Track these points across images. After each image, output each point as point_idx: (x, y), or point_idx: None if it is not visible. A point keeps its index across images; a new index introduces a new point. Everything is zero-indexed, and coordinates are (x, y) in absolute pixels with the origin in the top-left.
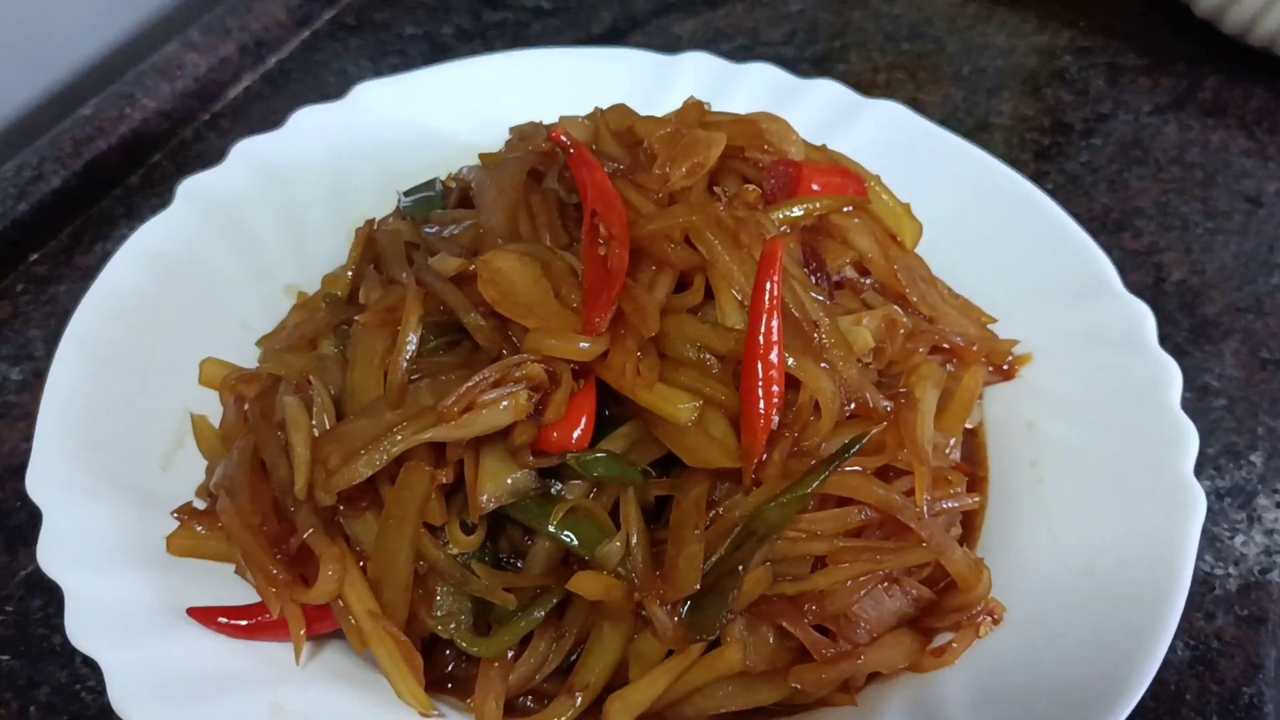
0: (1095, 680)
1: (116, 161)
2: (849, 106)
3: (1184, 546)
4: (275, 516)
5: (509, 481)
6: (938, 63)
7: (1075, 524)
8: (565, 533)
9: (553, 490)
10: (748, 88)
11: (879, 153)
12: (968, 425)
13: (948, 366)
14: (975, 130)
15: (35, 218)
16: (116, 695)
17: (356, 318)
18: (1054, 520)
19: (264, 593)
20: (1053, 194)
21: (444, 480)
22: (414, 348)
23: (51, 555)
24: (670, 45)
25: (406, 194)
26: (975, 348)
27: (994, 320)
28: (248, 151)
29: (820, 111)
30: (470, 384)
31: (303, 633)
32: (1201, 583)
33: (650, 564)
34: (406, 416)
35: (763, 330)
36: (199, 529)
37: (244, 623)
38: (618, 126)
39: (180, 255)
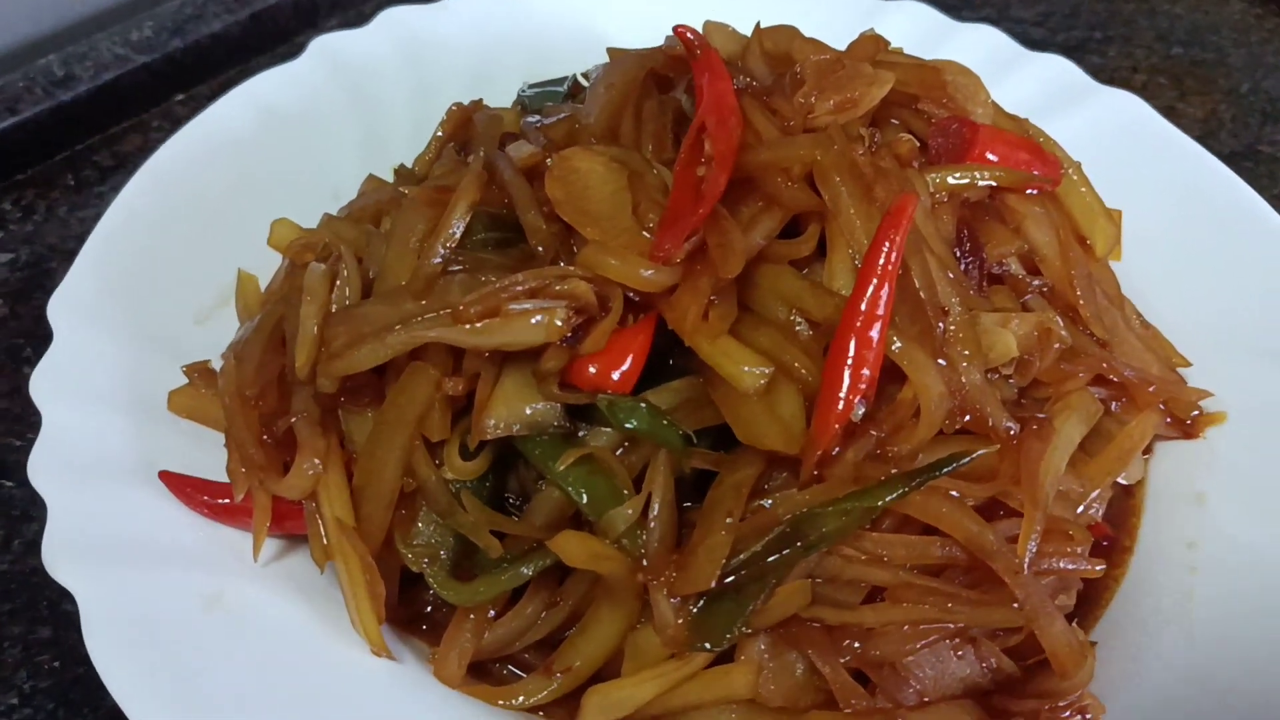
0: None
1: (286, 17)
2: (1074, 89)
3: None
4: (277, 394)
5: (526, 410)
6: (1212, 75)
7: (1222, 634)
8: (573, 484)
9: (580, 434)
10: (961, 48)
11: (1095, 144)
12: (1122, 480)
13: (1113, 405)
14: (1235, 156)
15: (187, 57)
16: (50, 541)
17: (405, 190)
18: (1197, 622)
19: (233, 471)
20: None
21: (452, 391)
22: (458, 234)
23: (44, 382)
24: None
25: (534, 85)
26: (1152, 389)
27: (1187, 364)
28: (395, 20)
29: (1039, 89)
30: (498, 286)
31: (266, 524)
32: None
33: (668, 545)
34: (427, 309)
35: (866, 299)
36: (205, 391)
37: (214, 500)
38: (774, 48)
39: (291, 109)
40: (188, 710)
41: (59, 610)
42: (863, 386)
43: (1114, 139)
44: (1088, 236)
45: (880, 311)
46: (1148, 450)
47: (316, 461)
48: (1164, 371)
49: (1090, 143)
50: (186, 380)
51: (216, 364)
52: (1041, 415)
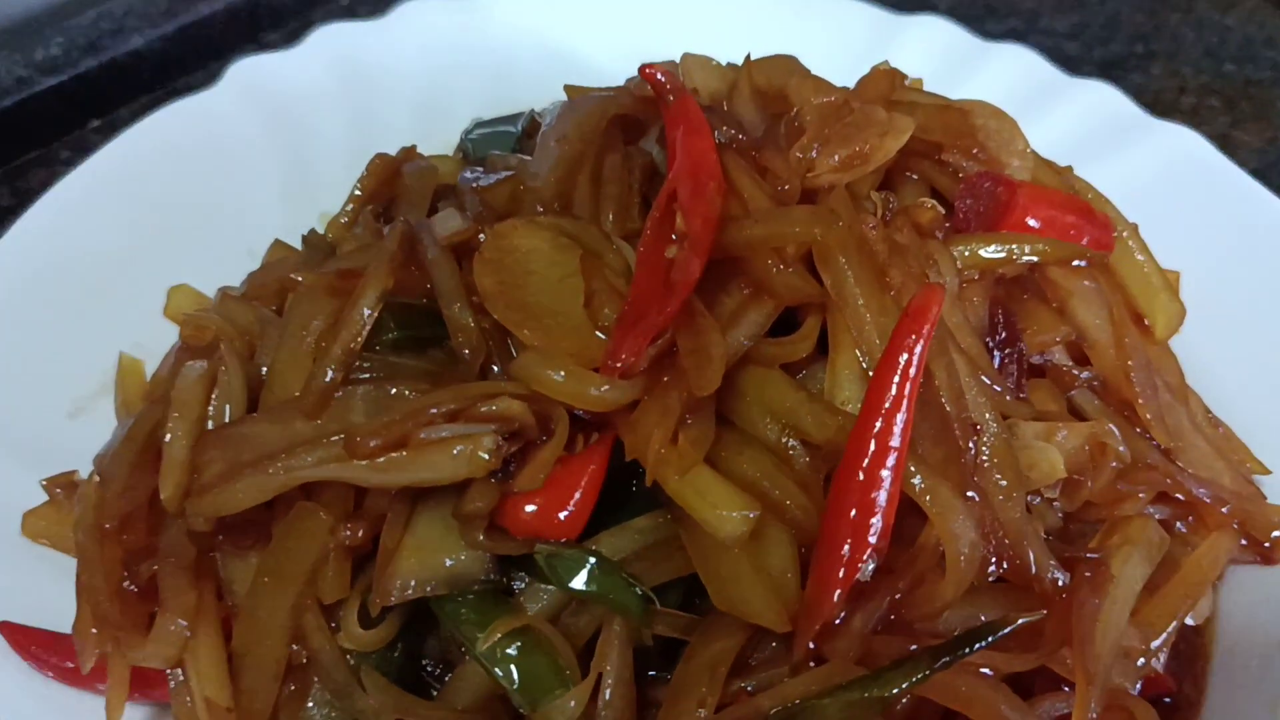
0: None
1: (216, 33)
2: (1125, 124)
3: None
4: (149, 523)
5: (445, 563)
6: (1269, 96)
7: None
8: (503, 664)
9: (515, 587)
10: (992, 76)
11: (1150, 193)
12: (1190, 620)
13: (1178, 525)
14: None
15: (102, 77)
16: None
17: (297, 276)
18: None
19: (82, 631)
20: None
21: (350, 541)
22: (363, 334)
23: None
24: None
25: (481, 124)
26: (1226, 509)
27: (1266, 472)
28: (330, 38)
29: (1083, 124)
30: (410, 409)
31: (124, 699)
32: None
33: None
34: (320, 433)
35: (879, 425)
36: (70, 510)
37: (62, 663)
38: (767, 86)
39: (203, 147)
40: None
41: None
42: (873, 540)
43: (1172, 186)
44: (1145, 315)
45: (895, 442)
46: (1218, 578)
47: (183, 623)
48: (1238, 483)
49: (1145, 190)
50: (46, 497)
51: (88, 473)
52: (1094, 555)
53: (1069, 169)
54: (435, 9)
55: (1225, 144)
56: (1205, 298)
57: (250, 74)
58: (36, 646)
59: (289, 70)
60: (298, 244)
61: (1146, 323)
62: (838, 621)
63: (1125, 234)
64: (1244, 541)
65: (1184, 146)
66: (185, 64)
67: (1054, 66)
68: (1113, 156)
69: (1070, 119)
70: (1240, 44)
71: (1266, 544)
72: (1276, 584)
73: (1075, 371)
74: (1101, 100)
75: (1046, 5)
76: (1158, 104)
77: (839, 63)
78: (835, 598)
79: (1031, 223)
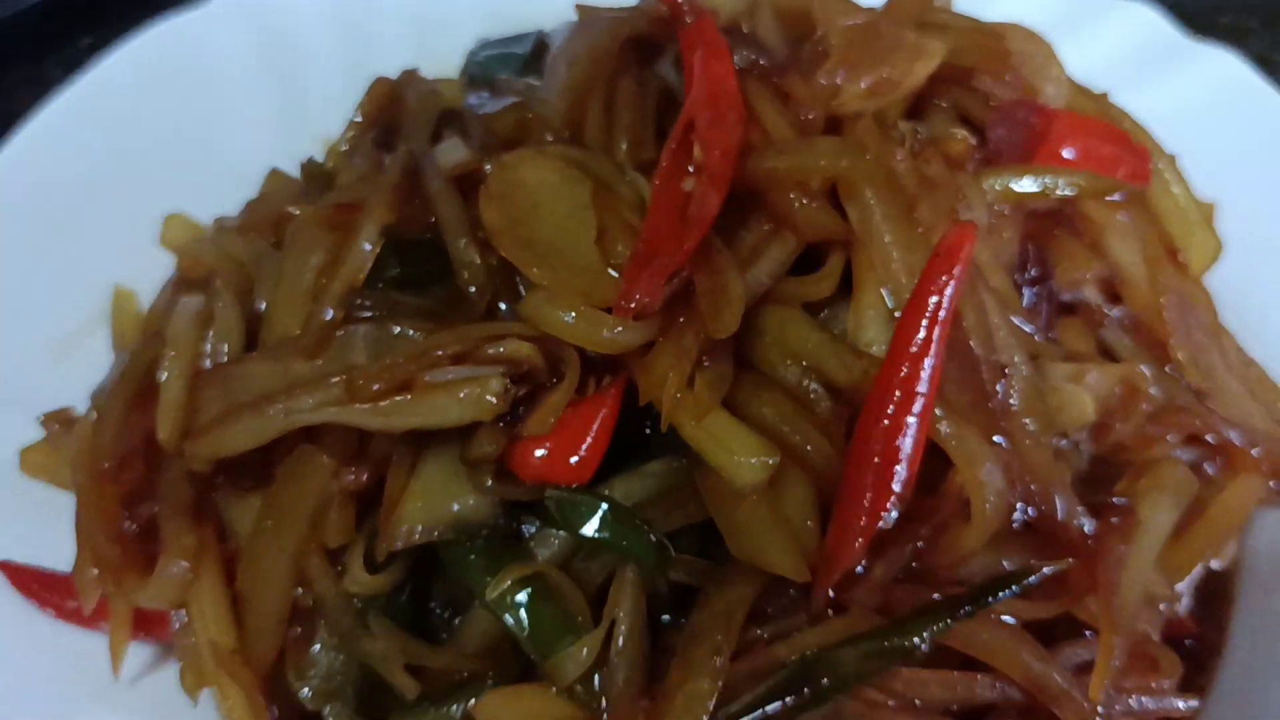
0: None
1: None
2: (1165, 47)
3: None
4: (147, 462)
5: (452, 508)
6: None
7: None
8: (513, 612)
9: (525, 531)
10: None
11: (1187, 120)
12: (1215, 564)
13: (1206, 466)
14: None
15: None
16: None
17: (293, 210)
18: None
19: (82, 573)
20: None
21: (354, 484)
22: (364, 270)
23: None
24: None
25: (488, 45)
26: (1256, 451)
27: None
28: None
29: (1120, 47)
30: (415, 350)
31: (126, 640)
32: None
33: (636, 688)
34: (320, 374)
35: (906, 368)
36: (65, 448)
37: (65, 602)
38: (790, 4)
39: (195, 70)
40: None
41: None
42: (896, 488)
43: (1211, 113)
44: (1181, 249)
45: (922, 388)
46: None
47: (185, 565)
48: (1270, 425)
49: (1184, 118)
50: (43, 433)
51: (84, 409)
52: (1121, 500)
53: (1105, 95)
54: None
55: (1263, 66)
56: (1242, 230)
57: None
58: (38, 586)
59: None
60: (295, 170)
61: (1182, 259)
62: (858, 571)
63: (1162, 165)
64: (1273, 484)
65: (1225, 70)
66: None
67: None
68: (1151, 81)
69: (1107, 41)
70: None
71: None
72: None
73: (1107, 309)
74: (1140, 22)
75: None
76: (1193, 23)
77: None
78: (856, 547)
79: (1067, 154)
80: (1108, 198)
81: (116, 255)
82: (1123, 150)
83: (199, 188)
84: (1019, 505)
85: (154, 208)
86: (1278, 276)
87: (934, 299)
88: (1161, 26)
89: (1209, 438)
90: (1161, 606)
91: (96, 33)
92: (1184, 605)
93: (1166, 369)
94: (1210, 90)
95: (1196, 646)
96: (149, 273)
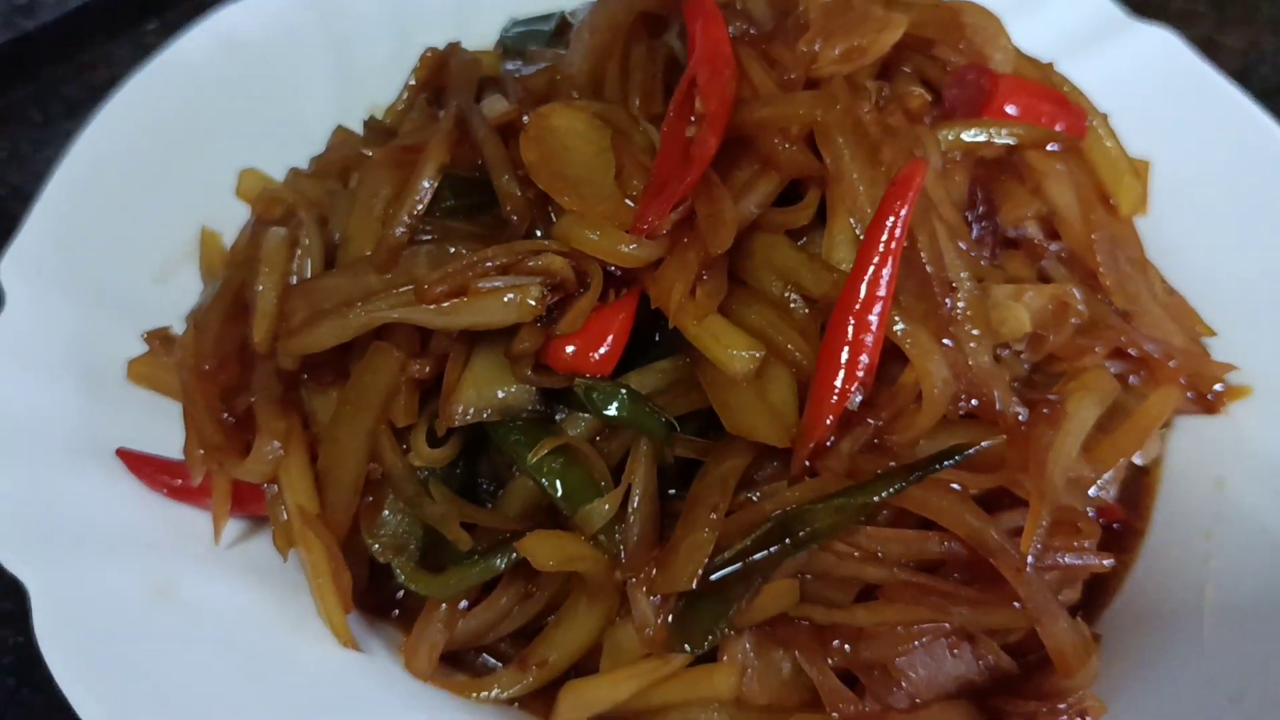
0: None
1: None
2: (1106, 24)
3: None
4: (238, 367)
5: (498, 394)
6: (1256, 1)
7: (1237, 633)
8: (547, 476)
9: (555, 418)
10: None
11: (1126, 87)
12: (1138, 460)
13: (1131, 379)
14: (1274, 92)
15: None
16: None
17: (367, 151)
18: (1209, 618)
19: (190, 453)
20: None
21: (419, 373)
22: (425, 201)
23: None
24: None
25: (518, 23)
26: (1173, 363)
27: (1212, 334)
28: None
29: (1069, 24)
30: (467, 262)
31: (227, 509)
32: None
33: (648, 540)
34: (390, 285)
35: (868, 278)
36: (166, 360)
37: (173, 480)
38: None
39: (262, 43)
40: (134, 703)
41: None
42: (860, 374)
43: (1147, 82)
44: (1112, 194)
45: (881, 292)
46: (1166, 425)
47: (277, 444)
48: (1187, 343)
49: (1121, 86)
50: (146, 347)
51: (179, 329)
52: (1053, 396)
53: (1050, 65)
54: None
55: (1209, 46)
56: (1176, 185)
57: None
58: (150, 469)
59: None
60: (354, 128)
61: (1113, 202)
62: (829, 443)
63: (1096, 123)
64: (1190, 395)
65: (1162, 46)
66: None
67: None
68: (1094, 54)
69: (1057, 19)
70: None
71: (1210, 396)
72: (1215, 431)
73: (1046, 244)
74: (1088, 2)
75: None
76: (1148, 6)
77: None
78: (828, 423)
79: (1010, 110)
80: (1047, 148)
81: (201, 203)
82: (1060, 109)
83: (269, 146)
84: (963, 396)
85: (230, 164)
86: (1198, 228)
87: (890, 220)
88: (1108, 7)
89: (1132, 351)
90: (1092, 491)
91: (162, 18)
92: (1112, 495)
93: (1097, 295)
94: (1146, 63)
95: (1122, 529)
96: (229, 218)
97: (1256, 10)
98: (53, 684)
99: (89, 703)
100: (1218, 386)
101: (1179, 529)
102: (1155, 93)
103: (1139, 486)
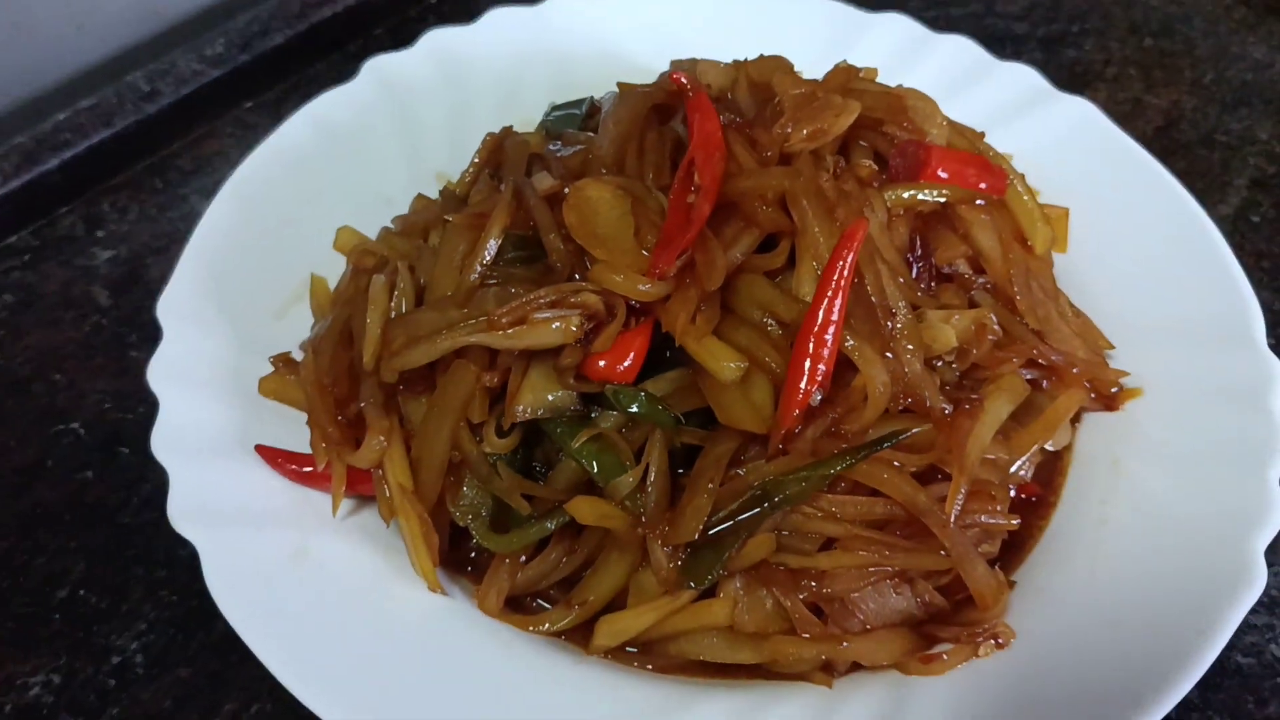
0: None
1: (338, 30)
2: (1036, 97)
3: (1221, 622)
4: (348, 382)
5: (549, 397)
6: (1179, 65)
7: (1120, 572)
8: (586, 457)
9: (591, 415)
10: (937, 60)
11: (1050, 149)
12: (1050, 447)
13: (1044, 384)
14: (1194, 144)
15: (254, 69)
16: (173, 504)
17: (448, 216)
18: (1099, 562)
19: (316, 446)
20: (1255, 227)
21: (489, 383)
22: (492, 254)
23: (159, 372)
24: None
25: (556, 108)
26: (1076, 370)
27: (1111, 347)
28: (436, 41)
29: (1003, 97)
30: (525, 300)
31: (342, 488)
32: (1268, 667)
33: (663, 505)
34: (468, 317)
35: (823, 308)
36: (289, 378)
37: (300, 468)
38: (759, 78)
39: (347, 127)
40: (285, 636)
41: (174, 554)
42: (819, 378)
43: (1068, 144)
44: (1029, 237)
45: (835, 317)
46: (1077, 420)
47: (382, 439)
48: (1089, 354)
49: (1046, 148)
50: (273, 369)
51: (295, 354)
52: (975, 396)
53: (981, 134)
54: (514, 17)
55: (1137, 105)
56: (1089, 229)
57: (379, 69)
58: (281, 460)
59: (407, 68)
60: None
61: (1029, 243)
62: (797, 431)
63: (1015, 180)
64: (1094, 396)
65: (1080, 113)
66: (315, 55)
67: (986, 52)
68: (1022, 121)
69: (992, 93)
70: (1161, 20)
71: (1109, 396)
72: (1114, 423)
73: (974, 278)
74: (1019, 78)
75: None
76: (1087, 73)
77: (820, 52)
78: (795, 415)
79: (942, 174)
80: (974, 203)
81: (307, 255)
82: (984, 171)
83: (355, 209)
84: (900, 396)
85: (328, 223)
86: (1105, 263)
87: (840, 263)
88: (1037, 80)
89: (1042, 361)
90: (1012, 470)
91: (257, 99)
92: (1029, 474)
93: (1015, 318)
94: (1068, 127)
95: (1036, 501)
96: (330, 267)
97: (1179, 74)
98: (204, 629)
99: (249, 632)
100: (1114, 389)
101: (1081, 499)
102: (1074, 153)
103: (1053, 468)
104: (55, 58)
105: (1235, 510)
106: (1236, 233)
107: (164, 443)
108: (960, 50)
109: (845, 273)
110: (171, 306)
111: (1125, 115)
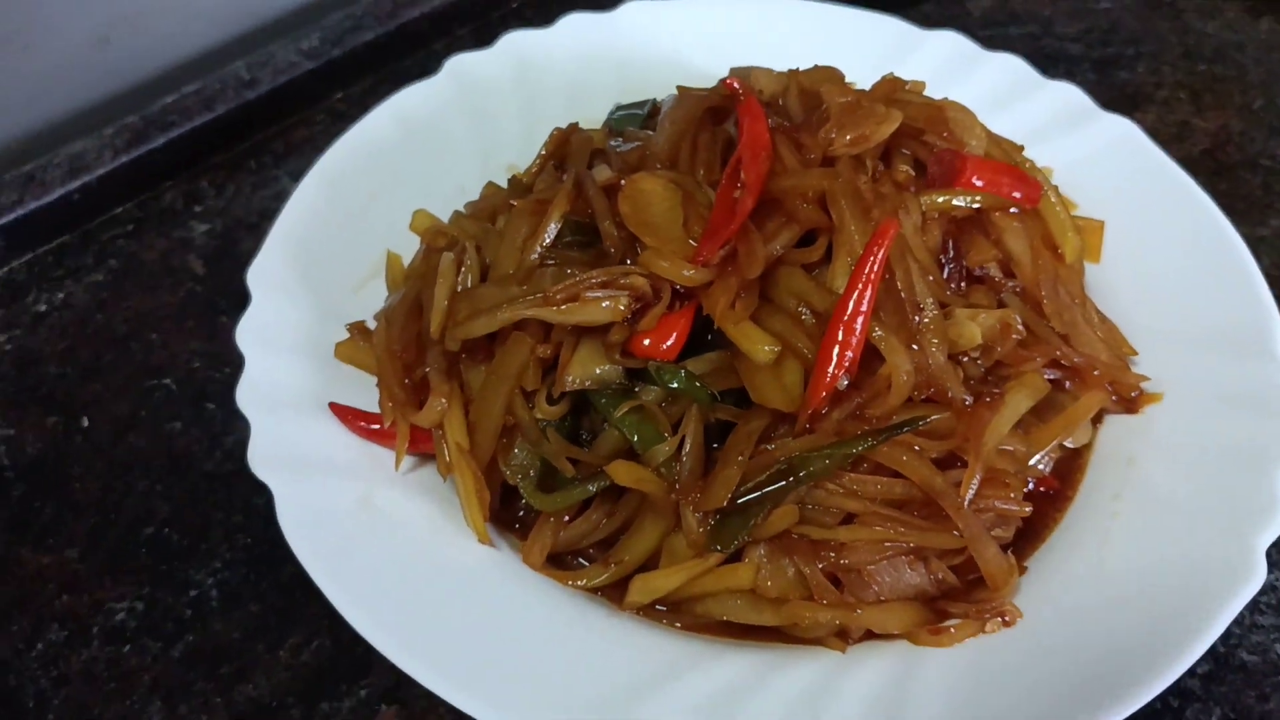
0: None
1: (425, 29)
2: (1078, 115)
3: (1218, 612)
4: (415, 349)
5: (596, 370)
6: (1229, 90)
7: (1128, 561)
8: (628, 427)
9: (634, 389)
10: (985, 76)
11: (1090, 164)
12: (1070, 444)
13: (1067, 384)
14: (1238, 166)
15: (345, 62)
16: (253, 451)
17: (513, 200)
18: (1109, 551)
19: (384, 405)
20: None
21: (543, 354)
22: (551, 237)
23: (246, 333)
24: (959, 18)
25: (621, 108)
26: (1098, 372)
27: (1134, 353)
28: (514, 43)
29: (1048, 114)
30: (579, 280)
31: (405, 445)
32: (1271, 665)
33: (696, 474)
34: (527, 293)
35: (853, 298)
36: (362, 344)
37: (368, 425)
38: (809, 86)
39: (427, 120)
40: (348, 576)
41: (250, 502)
42: (847, 364)
43: (1106, 160)
44: (1060, 246)
45: (864, 308)
46: (1099, 420)
47: (443, 401)
48: (1111, 358)
49: (1085, 163)
50: (348, 335)
51: (369, 323)
52: (997, 390)
53: (1020, 147)
54: (588, 23)
55: (1185, 128)
56: (1123, 242)
57: (460, 67)
58: (352, 417)
59: (485, 68)
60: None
61: (1060, 251)
62: (824, 412)
63: (1049, 191)
64: (1115, 398)
65: (1121, 132)
66: (402, 52)
67: (1034, 70)
68: (1064, 138)
69: (1036, 110)
70: (1215, 47)
71: (1130, 399)
72: (1133, 424)
73: (1005, 281)
74: (1064, 96)
75: (1060, 13)
76: (1138, 95)
77: (874, 65)
78: (822, 397)
79: (977, 182)
80: (1007, 210)
81: (385, 234)
82: (1019, 181)
83: (433, 196)
84: (923, 385)
85: (405, 206)
86: (1136, 275)
87: (871, 259)
88: (1082, 99)
89: (1065, 362)
90: (1033, 462)
91: (346, 90)
92: (1048, 469)
93: (1042, 320)
94: (1107, 144)
95: (1054, 494)
96: (405, 245)
97: (1229, 98)
98: (273, 571)
99: (315, 568)
100: (1134, 393)
101: (1096, 493)
102: (1112, 168)
103: (1073, 465)
104: (168, 47)
105: (1241, 509)
106: (1275, 252)
107: (247, 397)
108: (1009, 68)
109: (875, 267)
110: (260, 276)
111: (1173, 137)
